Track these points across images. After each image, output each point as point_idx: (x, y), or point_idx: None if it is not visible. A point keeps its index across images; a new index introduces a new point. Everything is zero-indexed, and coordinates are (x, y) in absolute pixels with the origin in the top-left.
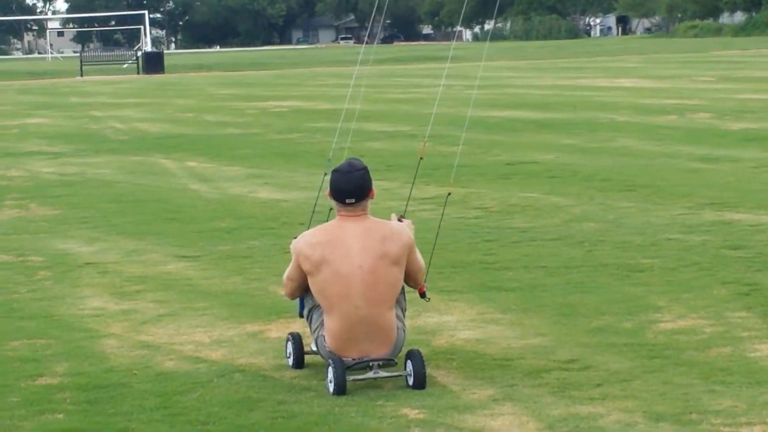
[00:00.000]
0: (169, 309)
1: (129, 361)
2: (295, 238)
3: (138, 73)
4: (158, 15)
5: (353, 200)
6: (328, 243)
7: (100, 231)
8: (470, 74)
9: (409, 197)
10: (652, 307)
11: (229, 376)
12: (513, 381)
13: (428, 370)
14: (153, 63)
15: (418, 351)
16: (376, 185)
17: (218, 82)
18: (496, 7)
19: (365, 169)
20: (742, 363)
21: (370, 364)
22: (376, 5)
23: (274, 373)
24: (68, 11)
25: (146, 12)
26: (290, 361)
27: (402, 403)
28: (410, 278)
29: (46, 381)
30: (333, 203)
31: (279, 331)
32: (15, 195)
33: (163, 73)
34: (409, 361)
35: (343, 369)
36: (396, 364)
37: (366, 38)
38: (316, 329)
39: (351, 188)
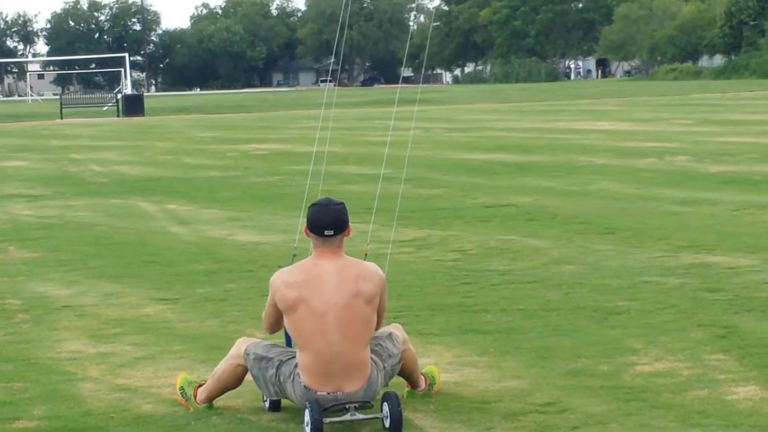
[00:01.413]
0: (147, 352)
1: (106, 404)
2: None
3: (118, 115)
4: (138, 57)
5: (332, 232)
6: (305, 282)
7: (79, 274)
8: (450, 117)
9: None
10: (629, 350)
11: (206, 420)
12: (491, 424)
13: (405, 413)
14: (133, 105)
15: (394, 393)
16: (355, 228)
17: (198, 124)
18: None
19: (343, 204)
20: (719, 405)
21: (347, 406)
22: (337, 52)
23: (251, 416)
24: (49, 54)
25: (126, 54)
26: (266, 405)
27: None
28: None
29: (23, 424)
30: (311, 238)
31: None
32: None
33: (144, 115)
34: (385, 403)
35: (320, 411)
36: (372, 406)
37: (335, 82)
38: (290, 376)
39: (330, 220)
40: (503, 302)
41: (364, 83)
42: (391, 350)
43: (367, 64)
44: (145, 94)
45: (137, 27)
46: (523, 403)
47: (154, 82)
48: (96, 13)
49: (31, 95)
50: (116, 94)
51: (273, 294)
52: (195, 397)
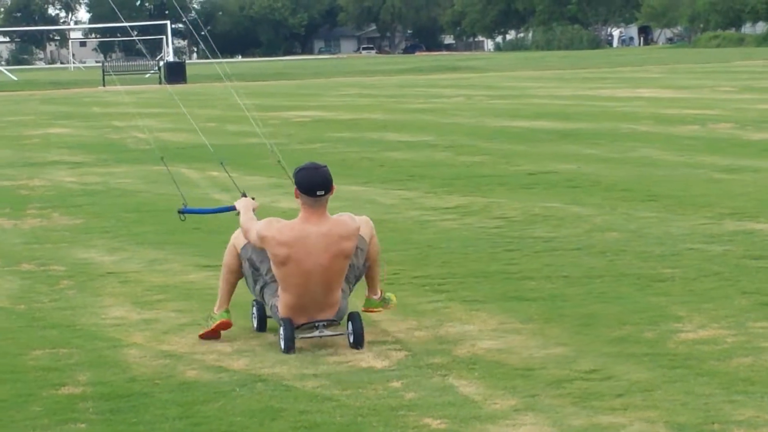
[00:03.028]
0: (191, 318)
1: (151, 370)
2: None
3: (160, 83)
4: (180, 25)
5: (323, 192)
6: (294, 242)
7: (122, 240)
8: (492, 84)
9: None
10: (673, 317)
11: (251, 386)
12: (535, 391)
13: (450, 380)
14: (175, 73)
15: (357, 313)
16: (397, 195)
17: (240, 92)
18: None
19: (327, 167)
20: (764, 373)
21: (317, 324)
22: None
23: (295, 383)
24: (91, 21)
25: (168, 22)
26: (255, 323)
27: (424, 413)
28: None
29: (69, 390)
30: (301, 199)
31: (301, 341)
32: (37, 204)
33: (185, 83)
34: (350, 322)
35: (292, 329)
36: (339, 324)
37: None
38: (270, 300)
39: (320, 181)
40: (547, 269)
41: (406, 51)
42: (358, 264)
43: (408, 31)
44: (186, 61)
45: None
46: (567, 370)
47: (195, 50)
48: None
49: (74, 63)
50: (158, 61)
51: (263, 243)
52: (215, 309)
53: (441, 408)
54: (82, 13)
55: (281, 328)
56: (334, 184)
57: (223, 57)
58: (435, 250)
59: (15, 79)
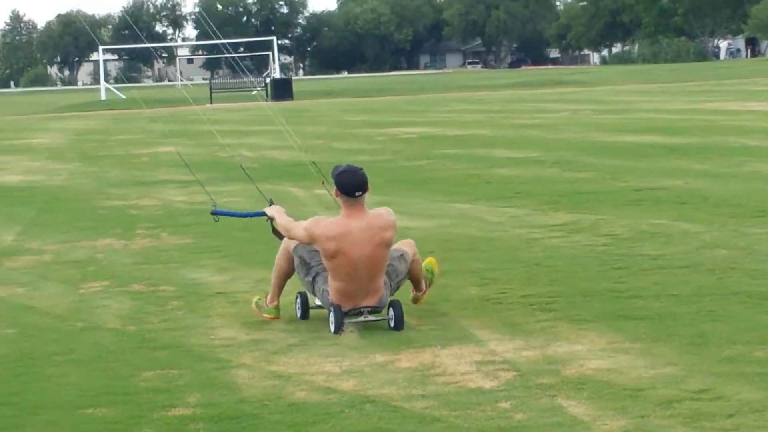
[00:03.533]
0: (299, 338)
1: (260, 391)
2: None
3: (267, 99)
4: (286, 41)
5: (360, 192)
6: (341, 237)
7: (231, 260)
8: (599, 98)
9: None
10: None
11: (359, 407)
12: (644, 411)
13: (558, 401)
14: (282, 89)
15: (398, 301)
16: (504, 212)
17: (347, 108)
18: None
19: (363, 169)
20: None
21: (362, 310)
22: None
23: (404, 404)
24: (197, 38)
25: (275, 38)
26: (299, 313)
27: None
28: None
29: (180, 412)
30: (341, 199)
31: (409, 361)
32: (147, 224)
33: (292, 99)
34: (390, 308)
35: (342, 314)
36: (381, 311)
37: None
38: (321, 288)
39: (359, 183)
40: (655, 288)
41: (512, 65)
42: (400, 270)
43: (513, 45)
44: (293, 77)
45: (284, 10)
46: (677, 390)
47: (301, 66)
48: None
49: (181, 80)
50: (265, 78)
51: (313, 239)
52: (267, 302)
53: (550, 429)
54: (189, 30)
55: (331, 314)
56: (368, 184)
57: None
58: (542, 269)
59: (123, 97)
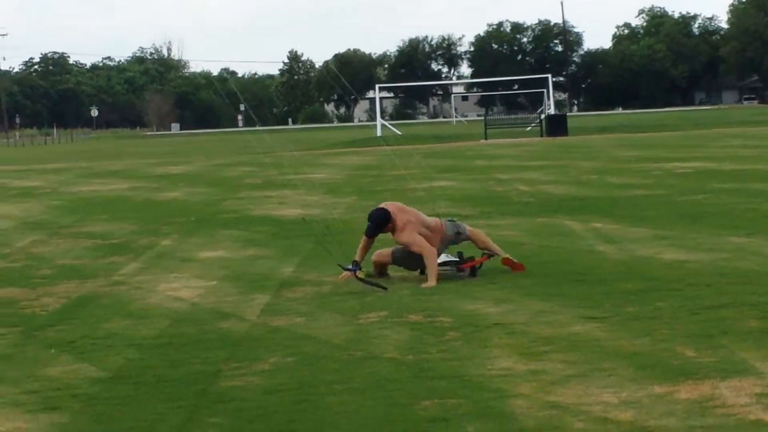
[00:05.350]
0: (578, 370)
1: (538, 421)
2: None
3: (541, 135)
4: (561, 78)
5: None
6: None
7: (508, 292)
8: None
9: None
10: None
11: None
12: None
13: None
14: (556, 125)
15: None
16: None
17: (621, 143)
18: None
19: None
20: None
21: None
22: None
23: None
24: (472, 76)
25: (549, 75)
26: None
27: None
28: None
29: None
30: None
31: (688, 392)
32: None
33: (566, 135)
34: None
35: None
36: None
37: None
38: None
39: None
40: None
41: None
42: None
43: None
44: (567, 114)
45: (559, 48)
46: None
47: (576, 102)
48: (518, 35)
49: (456, 117)
50: (539, 114)
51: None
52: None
53: None
54: (464, 68)
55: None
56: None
57: (603, 109)
58: None
59: (399, 133)
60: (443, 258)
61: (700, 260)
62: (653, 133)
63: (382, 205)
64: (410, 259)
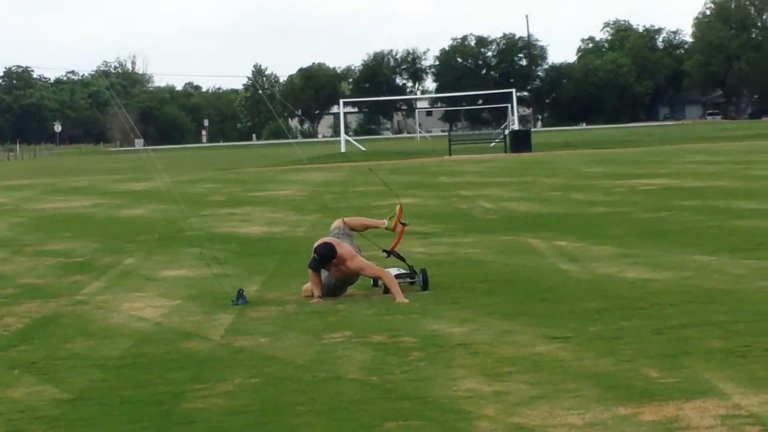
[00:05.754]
0: (542, 391)
1: None
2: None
3: (505, 151)
4: (525, 93)
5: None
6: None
7: (471, 311)
8: None
9: None
10: None
11: None
12: None
13: None
14: (520, 141)
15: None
16: (746, 264)
17: (585, 159)
18: None
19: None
20: None
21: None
22: None
23: None
24: (437, 90)
25: (513, 90)
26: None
27: None
28: None
29: None
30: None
31: (652, 414)
32: None
33: (531, 151)
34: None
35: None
36: None
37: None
38: None
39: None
40: None
41: (752, 116)
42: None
43: (755, 96)
44: (531, 129)
45: (524, 62)
46: None
47: (540, 117)
48: (483, 49)
49: (420, 132)
50: (503, 130)
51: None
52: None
53: None
54: (429, 83)
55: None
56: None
57: (567, 124)
58: None
59: (363, 149)
60: (395, 271)
61: (664, 279)
62: (617, 149)
63: (327, 240)
64: (335, 288)
